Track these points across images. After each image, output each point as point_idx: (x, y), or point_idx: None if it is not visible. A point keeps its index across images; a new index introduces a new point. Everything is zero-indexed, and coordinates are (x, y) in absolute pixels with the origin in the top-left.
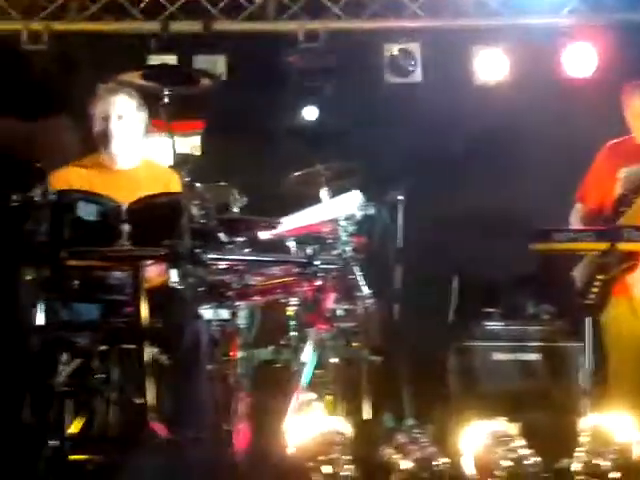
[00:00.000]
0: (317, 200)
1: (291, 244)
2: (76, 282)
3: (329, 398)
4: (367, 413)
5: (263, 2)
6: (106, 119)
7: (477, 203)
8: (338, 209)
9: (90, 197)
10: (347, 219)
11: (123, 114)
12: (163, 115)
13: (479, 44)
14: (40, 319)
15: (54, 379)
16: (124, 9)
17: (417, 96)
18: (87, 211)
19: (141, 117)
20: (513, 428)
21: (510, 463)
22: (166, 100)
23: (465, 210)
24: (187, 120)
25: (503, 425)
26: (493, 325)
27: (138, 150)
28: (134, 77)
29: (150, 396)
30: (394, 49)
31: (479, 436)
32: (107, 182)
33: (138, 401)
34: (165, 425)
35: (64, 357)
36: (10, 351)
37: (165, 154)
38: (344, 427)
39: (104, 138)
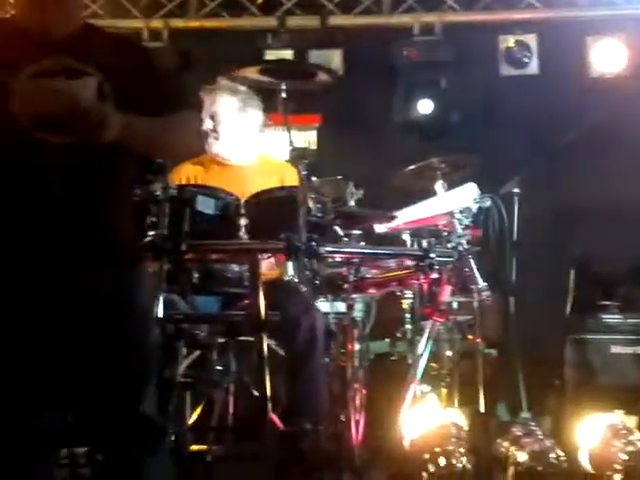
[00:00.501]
0: (432, 193)
1: (406, 237)
2: (195, 275)
3: (444, 391)
4: (482, 405)
5: None
6: (210, 118)
7: (592, 195)
8: (453, 202)
9: (209, 191)
10: (462, 212)
11: (226, 113)
12: (280, 110)
13: (595, 35)
14: (160, 311)
15: (174, 371)
16: (241, 5)
17: (532, 88)
18: (206, 205)
19: (250, 114)
20: (631, 421)
21: (627, 457)
22: (283, 95)
23: (581, 202)
24: (303, 114)
25: (620, 418)
26: (611, 318)
27: (252, 145)
28: (251, 72)
29: (268, 388)
30: (510, 41)
31: (596, 429)
32: (224, 177)
33: (256, 392)
34: (282, 416)
35: (183, 349)
36: (132, 342)
37: (282, 148)
38: (459, 419)
39: (210, 137)
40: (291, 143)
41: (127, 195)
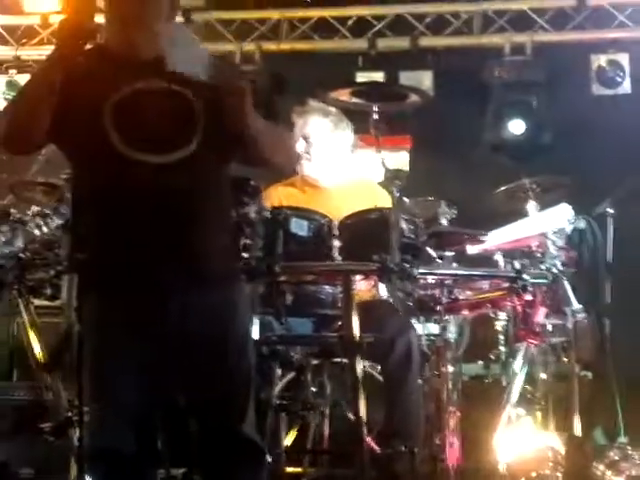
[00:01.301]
0: (524, 214)
1: (499, 258)
2: (289, 297)
3: (539, 414)
4: (578, 429)
5: (469, 17)
6: (302, 139)
7: None
8: (547, 223)
9: (302, 213)
10: (556, 233)
11: (317, 135)
12: (372, 131)
13: None
14: (255, 333)
15: (269, 393)
16: (332, 28)
17: (625, 107)
18: (299, 227)
19: (342, 135)
20: None
21: None
22: (375, 116)
23: None
24: (395, 136)
25: None
26: None
27: (343, 167)
28: (343, 95)
29: (362, 410)
30: (601, 60)
31: None
32: (316, 199)
33: (351, 415)
34: (377, 439)
35: (278, 371)
36: (231, 363)
37: (375, 170)
38: (555, 443)
39: (302, 158)
40: (384, 164)
41: (224, 217)
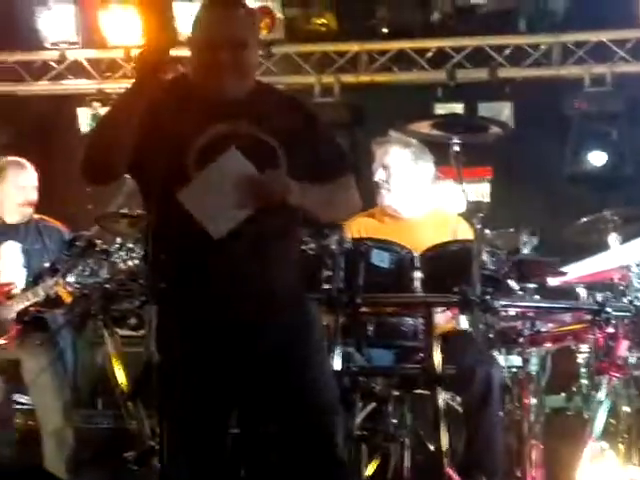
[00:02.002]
0: (606, 246)
1: (581, 291)
2: (370, 328)
3: (622, 447)
4: None
5: (548, 48)
6: (382, 169)
7: None
8: (629, 255)
9: (383, 245)
10: (639, 265)
11: (397, 165)
12: (452, 163)
13: None
14: (337, 364)
15: (351, 423)
16: (411, 59)
17: None
18: (380, 258)
19: (422, 166)
20: None
21: None
22: (455, 148)
23: None
24: (475, 167)
25: None
26: None
27: (423, 198)
28: (423, 127)
29: (444, 441)
30: None
31: None
32: (396, 230)
33: (432, 446)
34: (459, 470)
35: (359, 402)
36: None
37: (456, 201)
38: (638, 478)
39: (382, 188)
40: (465, 196)
41: (295, 252)
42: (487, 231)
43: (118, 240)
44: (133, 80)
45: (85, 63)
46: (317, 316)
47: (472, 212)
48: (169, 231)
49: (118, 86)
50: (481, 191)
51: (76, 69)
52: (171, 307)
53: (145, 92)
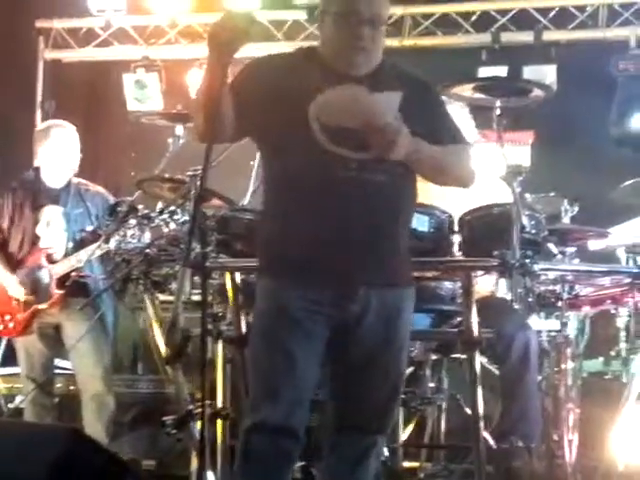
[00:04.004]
0: None
1: (621, 254)
2: None
3: None
4: None
5: (594, 10)
6: None
7: None
8: None
9: (423, 209)
10: None
11: None
12: (494, 126)
13: None
14: None
15: None
16: (455, 23)
17: None
18: (420, 222)
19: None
20: None
21: None
22: (497, 111)
23: None
24: (517, 131)
25: None
26: None
27: None
28: (466, 90)
29: (480, 405)
30: None
31: None
32: (435, 194)
33: (468, 410)
34: (494, 435)
35: None
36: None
37: (496, 164)
38: None
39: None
40: (505, 159)
41: (410, 212)
42: (527, 195)
43: (160, 205)
44: (179, 46)
45: (130, 30)
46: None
47: (512, 175)
48: (288, 184)
49: (163, 52)
50: (522, 155)
51: (121, 36)
52: (279, 260)
53: (223, 63)
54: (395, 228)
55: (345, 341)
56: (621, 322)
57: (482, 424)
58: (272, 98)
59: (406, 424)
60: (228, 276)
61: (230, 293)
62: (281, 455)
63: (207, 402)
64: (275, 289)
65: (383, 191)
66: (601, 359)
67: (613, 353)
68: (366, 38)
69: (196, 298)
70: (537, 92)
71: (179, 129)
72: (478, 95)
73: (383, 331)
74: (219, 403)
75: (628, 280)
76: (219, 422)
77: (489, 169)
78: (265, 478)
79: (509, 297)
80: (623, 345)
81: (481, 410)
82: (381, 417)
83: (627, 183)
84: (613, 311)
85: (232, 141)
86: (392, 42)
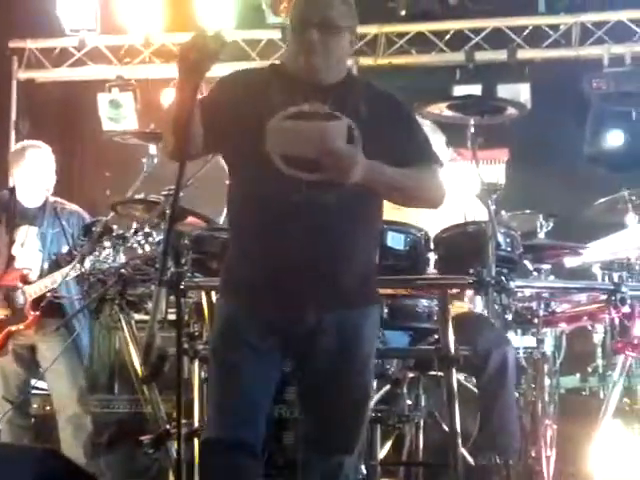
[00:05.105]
0: (624, 226)
1: (597, 271)
2: (385, 310)
3: (637, 426)
4: None
5: (567, 28)
6: None
7: None
8: None
9: (398, 227)
10: None
11: None
12: (469, 144)
13: None
14: None
15: None
16: (429, 42)
17: None
18: (396, 240)
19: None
20: None
21: None
22: (472, 130)
23: None
24: (492, 149)
25: None
26: None
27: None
28: (440, 108)
29: (457, 422)
30: None
31: None
32: (410, 212)
33: (446, 427)
34: (472, 451)
35: (374, 383)
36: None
37: (471, 183)
38: None
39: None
40: (480, 177)
41: (372, 232)
42: (503, 213)
43: (134, 225)
44: (153, 65)
45: (104, 49)
46: (376, 314)
47: (487, 193)
48: (242, 201)
49: (137, 71)
50: (497, 172)
51: (95, 55)
52: (231, 279)
53: (194, 82)
54: (350, 249)
55: (302, 362)
56: (597, 338)
57: (460, 441)
58: (235, 114)
59: (384, 442)
60: (204, 295)
61: (206, 312)
62: (233, 470)
63: (183, 421)
64: (227, 309)
65: (335, 213)
66: (578, 375)
67: (590, 369)
68: (316, 42)
69: (172, 317)
70: (511, 110)
71: (153, 148)
72: (452, 113)
73: (340, 352)
74: (196, 422)
75: (604, 297)
76: (196, 441)
77: (464, 187)
78: None
79: (486, 314)
80: (599, 361)
81: (459, 427)
82: (346, 437)
83: (601, 201)
84: (589, 327)
85: (200, 157)
86: (367, 61)
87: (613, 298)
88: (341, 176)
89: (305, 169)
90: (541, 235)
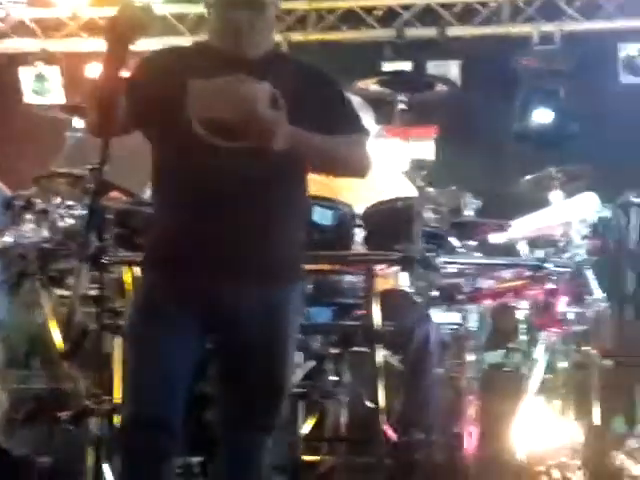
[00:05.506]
0: (549, 203)
1: (522, 247)
2: (310, 286)
3: (559, 403)
4: (597, 418)
5: (497, 6)
6: None
7: None
8: (571, 211)
9: (325, 202)
10: (580, 221)
11: None
12: (398, 121)
13: None
14: None
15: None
16: (360, 18)
17: None
18: (322, 216)
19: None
20: None
21: None
22: (401, 106)
23: None
24: (421, 125)
25: None
26: None
27: None
28: (369, 84)
29: (381, 398)
30: (630, 49)
31: None
32: (338, 187)
33: (369, 403)
34: (395, 427)
35: (298, 359)
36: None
37: (400, 159)
38: (574, 432)
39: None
40: (409, 154)
41: (297, 206)
42: (431, 189)
43: (57, 200)
44: (80, 39)
45: (29, 22)
46: (300, 292)
47: (416, 170)
48: (164, 176)
49: (63, 45)
50: (426, 149)
51: (20, 28)
52: (154, 252)
53: (119, 57)
54: (274, 223)
55: (223, 338)
56: (521, 315)
57: (384, 417)
58: (159, 90)
59: (307, 418)
60: (127, 271)
61: (128, 288)
62: (151, 449)
63: (104, 398)
64: (147, 284)
65: (258, 185)
66: (502, 351)
67: (513, 346)
68: (243, 22)
69: (94, 293)
70: (440, 87)
71: (77, 122)
72: (382, 90)
73: (262, 328)
74: (116, 399)
75: (528, 273)
76: (115, 418)
77: (393, 163)
78: (137, 471)
79: (411, 290)
80: (523, 337)
81: (382, 403)
82: (266, 415)
83: (528, 177)
84: (514, 304)
85: (124, 134)
86: (297, 37)
87: (537, 274)
88: (264, 142)
89: (226, 136)
90: (468, 212)
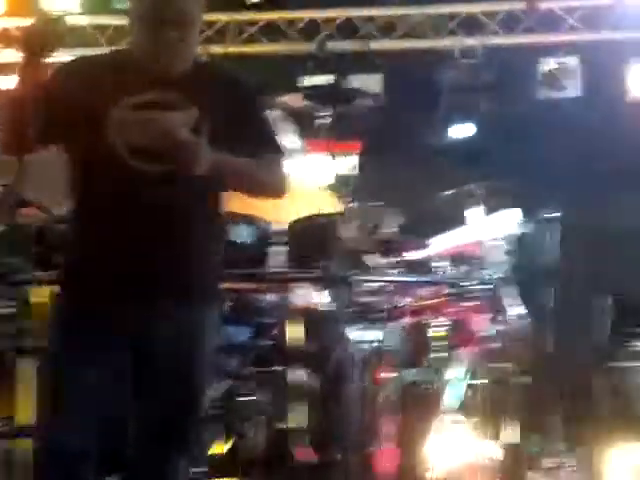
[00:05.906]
0: (469, 219)
1: (442, 264)
2: (227, 304)
3: (476, 420)
4: (514, 436)
5: (419, 20)
6: None
7: (630, 220)
8: (491, 228)
9: (244, 219)
10: (500, 238)
11: None
12: (321, 135)
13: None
14: None
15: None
16: (281, 31)
17: (573, 111)
18: (240, 233)
19: (285, 139)
20: None
21: None
22: (323, 120)
23: (619, 228)
24: (345, 140)
25: None
26: None
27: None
28: (290, 98)
29: (296, 418)
30: (550, 63)
31: (630, 460)
32: (259, 203)
33: (285, 424)
34: (313, 446)
35: (214, 380)
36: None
37: (323, 174)
38: (491, 450)
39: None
40: (332, 169)
41: (215, 228)
42: (353, 205)
43: None
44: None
45: None
46: (217, 313)
47: (339, 186)
48: (85, 198)
49: None
50: (349, 164)
51: None
52: (72, 280)
53: (33, 70)
54: (193, 245)
55: (140, 359)
56: (440, 332)
57: (299, 437)
58: (76, 104)
59: (223, 439)
60: (36, 290)
61: (39, 307)
62: (66, 473)
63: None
64: (66, 306)
65: (178, 207)
66: (419, 369)
67: (431, 363)
68: (172, 40)
69: (3, 311)
70: (363, 100)
71: None
72: (303, 103)
73: (179, 349)
74: (22, 420)
75: (447, 291)
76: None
77: (316, 179)
78: None
79: (330, 308)
80: (442, 354)
81: (301, 423)
82: (180, 435)
83: (446, 193)
84: (432, 321)
85: (38, 150)
86: (216, 49)
87: (455, 292)
88: (185, 168)
89: (148, 160)
90: (390, 229)
